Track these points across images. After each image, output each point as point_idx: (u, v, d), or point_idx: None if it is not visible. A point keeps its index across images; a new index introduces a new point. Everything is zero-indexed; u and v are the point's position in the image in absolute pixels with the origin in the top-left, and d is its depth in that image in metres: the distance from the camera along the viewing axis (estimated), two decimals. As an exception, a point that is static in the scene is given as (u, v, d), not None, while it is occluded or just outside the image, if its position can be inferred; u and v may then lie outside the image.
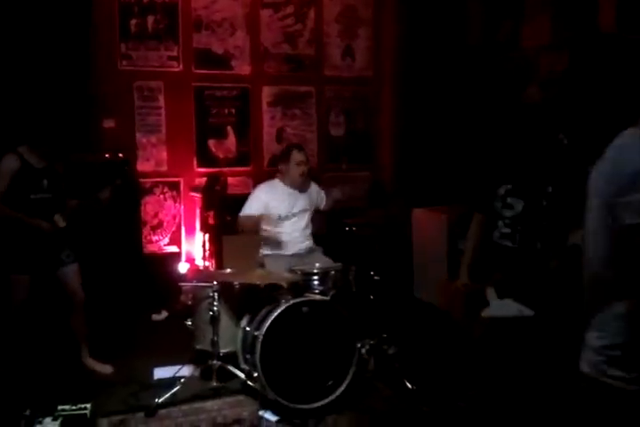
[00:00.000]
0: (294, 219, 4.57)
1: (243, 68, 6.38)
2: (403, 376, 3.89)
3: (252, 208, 4.47)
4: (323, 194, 4.85)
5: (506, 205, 3.02)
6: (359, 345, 3.78)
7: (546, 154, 2.97)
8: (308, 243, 4.67)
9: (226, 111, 6.34)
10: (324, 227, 5.47)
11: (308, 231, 4.69)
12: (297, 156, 4.53)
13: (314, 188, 4.80)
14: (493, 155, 3.36)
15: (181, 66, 6.13)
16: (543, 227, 2.94)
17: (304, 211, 4.62)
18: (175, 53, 6.09)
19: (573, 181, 2.93)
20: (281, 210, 4.50)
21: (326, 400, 3.61)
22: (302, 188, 4.63)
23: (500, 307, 2.85)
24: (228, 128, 6.36)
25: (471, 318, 2.99)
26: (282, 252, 4.53)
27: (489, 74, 6.77)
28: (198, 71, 6.20)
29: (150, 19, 5.98)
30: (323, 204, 4.84)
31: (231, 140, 6.38)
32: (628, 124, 1.72)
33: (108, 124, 5.85)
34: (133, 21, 5.93)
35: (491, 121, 6.49)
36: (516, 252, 2.98)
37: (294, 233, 4.58)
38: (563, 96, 5.76)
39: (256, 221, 4.42)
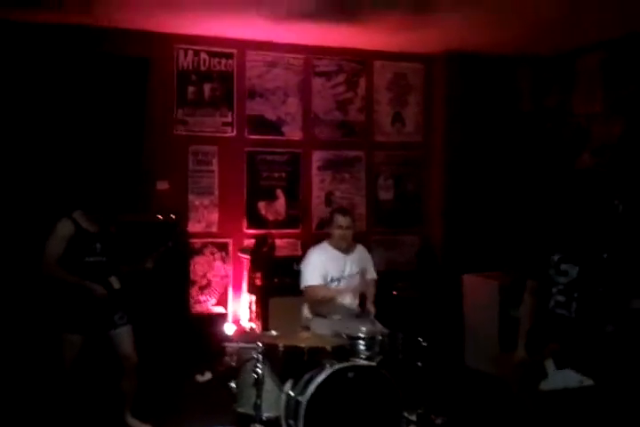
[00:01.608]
0: (344, 282, 4.55)
1: (294, 133, 6.53)
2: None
3: (314, 277, 4.46)
4: (368, 255, 4.82)
5: (560, 272, 2.93)
6: (406, 414, 3.64)
7: (601, 220, 2.91)
8: (355, 307, 4.61)
9: (276, 175, 6.46)
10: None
11: (357, 296, 4.65)
12: (339, 219, 4.59)
13: (361, 251, 4.77)
14: (547, 221, 3.30)
15: (235, 131, 6.31)
16: (600, 293, 2.82)
17: (354, 275, 4.60)
18: (229, 119, 6.29)
19: (630, 248, 2.84)
20: (333, 272, 4.50)
21: (371, 472, 3.46)
22: (347, 251, 4.63)
23: (560, 378, 2.76)
24: (278, 191, 6.46)
25: (528, 390, 2.87)
26: (328, 315, 4.47)
27: (541, 140, 6.76)
28: (251, 137, 6.37)
29: (207, 86, 6.22)
30: (370, 267, 4.79)
31: (281, 203, 6.47)
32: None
33: (162, 186, 6.01)
34: (191, 89, 6.17)
35: (543, 187, 6.43)
36: (573, 322, 2.87)
37: (344, 297, 4.55)
38: (617, 162, 5.70)
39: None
